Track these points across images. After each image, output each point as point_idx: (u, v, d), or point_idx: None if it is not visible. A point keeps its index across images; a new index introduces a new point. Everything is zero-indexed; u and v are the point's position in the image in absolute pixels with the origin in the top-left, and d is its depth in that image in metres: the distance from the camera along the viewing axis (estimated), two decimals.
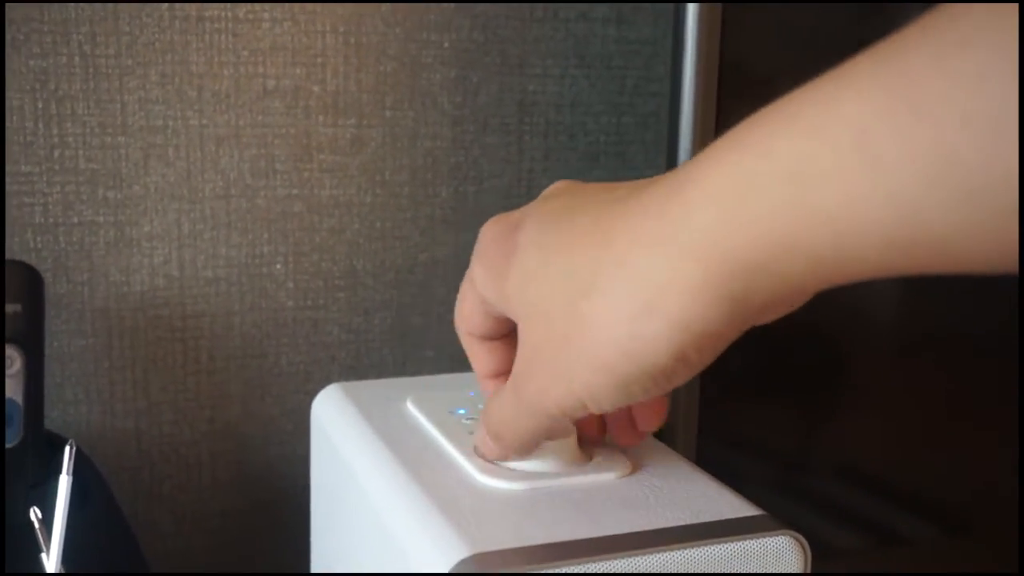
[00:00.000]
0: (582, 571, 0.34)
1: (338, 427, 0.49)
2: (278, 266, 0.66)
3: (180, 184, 0.63)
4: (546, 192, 0.39)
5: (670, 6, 0.61)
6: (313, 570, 0.55)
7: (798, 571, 0.38)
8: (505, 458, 0.40)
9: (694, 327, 0.30)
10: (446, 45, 0.66)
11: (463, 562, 0.34)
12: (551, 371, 0.34)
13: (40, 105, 0.59)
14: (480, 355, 0.41)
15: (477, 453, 0.42)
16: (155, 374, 0.64)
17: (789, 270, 0.28)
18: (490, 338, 0.41)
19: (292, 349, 0.67)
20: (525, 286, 0.35)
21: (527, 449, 0.39)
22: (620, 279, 0.31)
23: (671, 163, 0.63)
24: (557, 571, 0.34)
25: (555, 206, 0.36)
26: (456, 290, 0.41)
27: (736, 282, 0.29)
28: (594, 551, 0.35)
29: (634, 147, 0.73)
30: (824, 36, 0.63)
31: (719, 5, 0.59)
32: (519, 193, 0.70)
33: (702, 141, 0.62)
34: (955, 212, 0.25)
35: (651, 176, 0.36)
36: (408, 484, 0.41)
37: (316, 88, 0.64)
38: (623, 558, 0.35)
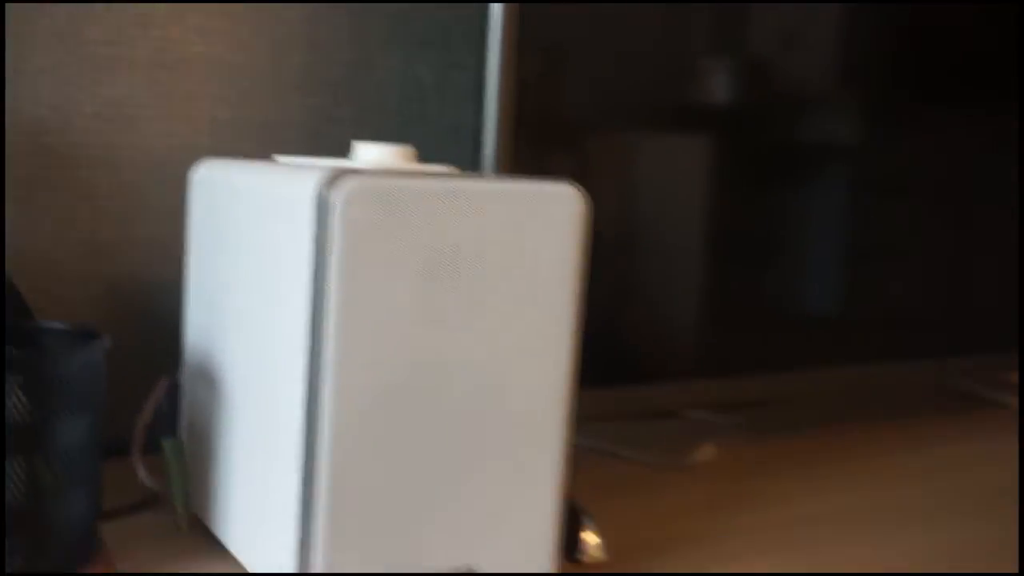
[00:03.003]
0: (415, 185, 0.47)
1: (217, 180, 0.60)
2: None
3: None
4: None
5: None
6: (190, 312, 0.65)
7: (575, 219, 0.51)
8: None
9: None
10: None
11: (330, 175, 0.46)
12: None
13: None
14: None
15: None
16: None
17: None
18: None
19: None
20: None
21: None
22: None
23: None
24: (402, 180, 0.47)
25: None
26: None
27: None
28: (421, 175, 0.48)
29: (456, 38, 0.87)
30: None
31: None
32: (360, 65, 0.83)
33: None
34: None
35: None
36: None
37: None
38: (441, 180, 0.48)
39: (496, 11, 0.75)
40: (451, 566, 0.52)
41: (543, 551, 0.55)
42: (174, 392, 0.66)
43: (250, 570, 0.56)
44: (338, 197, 0.46)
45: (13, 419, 0.50)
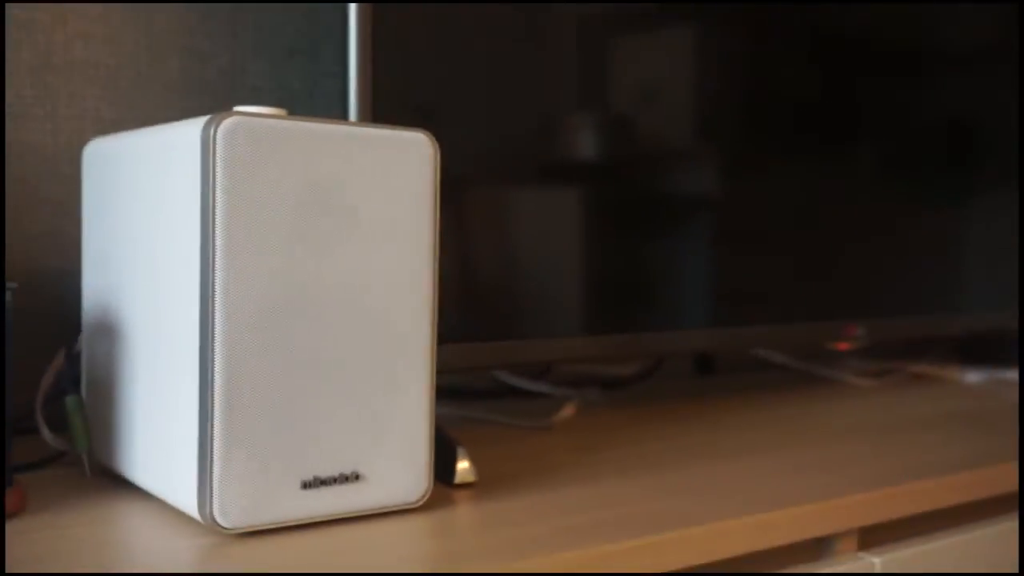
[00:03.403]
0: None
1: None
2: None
3: None
4: None
5: None
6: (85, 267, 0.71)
7: (428, 161, 0.60)
8: None
9: None
10: None
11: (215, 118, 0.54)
12: None
13: None
14: None
15: None
16: None
17: None
18: None
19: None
20: None
21: None
22: None
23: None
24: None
25: None
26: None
27: None
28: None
29: (323, 48, 0.96)
30: None
31: None
32: (234, 71, 0.91)
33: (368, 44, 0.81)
34: None
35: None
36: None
37: None
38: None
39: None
40: (339, 472, 0.59)
41: (420, 460, 0.62)
42: (74, 360, 0.72)
43: (156, 494, 0.62)
44: (219, 133, 0.53)
45: None
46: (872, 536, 0.75)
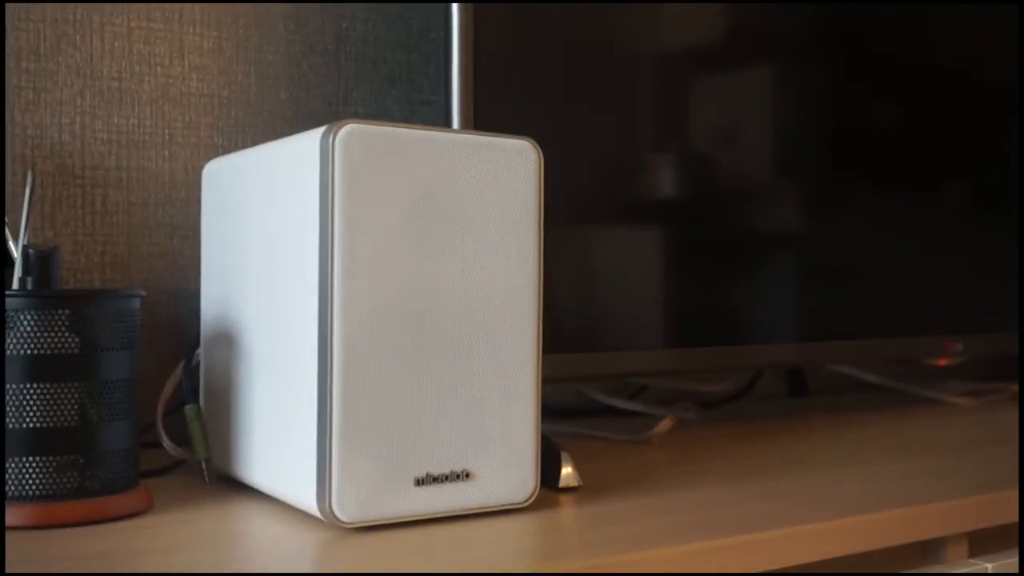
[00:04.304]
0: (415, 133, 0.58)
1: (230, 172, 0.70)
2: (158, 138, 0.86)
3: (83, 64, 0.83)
4: None
5: None
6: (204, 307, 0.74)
7: (533, 168, 0.62)
8: None
9: None
10: None
11: (333, 126, 0.57)
12: None
13: None
14: None
15: None
16: (59, 211, 0.83)
17: None
18: None
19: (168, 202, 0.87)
20: None
21: None
22: None
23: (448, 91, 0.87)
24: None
25: None
26: None
27: None
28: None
29: (420, 77, 0.99)
30: None
31: None
32: (337, 100, 0.95)
33: (469, 78, 0.86)
34: None
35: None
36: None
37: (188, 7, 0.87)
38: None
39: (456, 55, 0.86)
40: (450, 469, 0.61)
41: (527, 461, 0.64)
42: (192, 372, 0.75)
43: (274, 494, 0.64)
44: (338, 139, 0.56)
45: (62, 351, 0.59)
46: (981, 545, 0.74)
